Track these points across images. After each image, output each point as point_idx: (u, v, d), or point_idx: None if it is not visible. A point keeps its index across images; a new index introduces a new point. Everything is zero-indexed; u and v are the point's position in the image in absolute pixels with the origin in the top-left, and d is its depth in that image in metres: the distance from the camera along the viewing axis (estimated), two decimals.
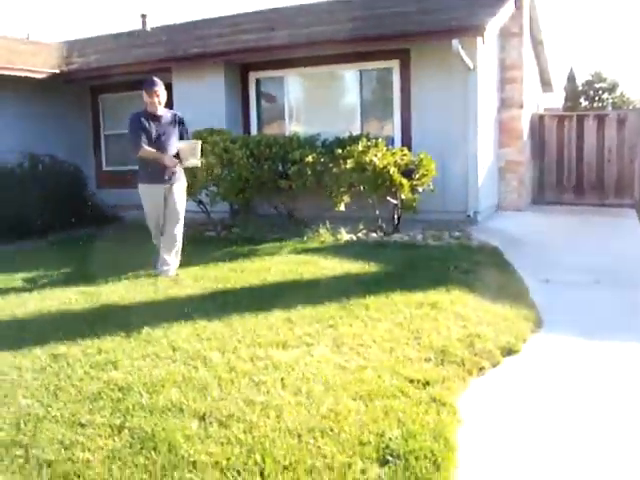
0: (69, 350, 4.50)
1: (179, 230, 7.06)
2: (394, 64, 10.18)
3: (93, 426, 3.34)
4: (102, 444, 3.15)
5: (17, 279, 6.98)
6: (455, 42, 8.89)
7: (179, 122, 7.09)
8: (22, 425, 3.39)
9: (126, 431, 3.28)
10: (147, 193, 7.01)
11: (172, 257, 7.05)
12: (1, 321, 5.44)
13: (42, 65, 12.50)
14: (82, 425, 3.36)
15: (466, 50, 9.11)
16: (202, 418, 3.40)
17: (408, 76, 10.04)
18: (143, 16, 15.73)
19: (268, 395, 3.68)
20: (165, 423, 3.34)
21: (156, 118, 6.93)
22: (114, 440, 3.20)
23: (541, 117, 12.76)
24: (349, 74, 10.76)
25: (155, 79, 7.00)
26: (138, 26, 15.86)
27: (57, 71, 12.45)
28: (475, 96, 9.55)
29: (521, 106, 11.31)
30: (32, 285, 6.69)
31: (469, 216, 9.70)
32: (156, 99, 6.87)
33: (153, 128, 6.86)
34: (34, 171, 11.43)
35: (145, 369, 4.11)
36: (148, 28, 15.60)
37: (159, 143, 6.84)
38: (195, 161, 7.03)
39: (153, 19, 15.86)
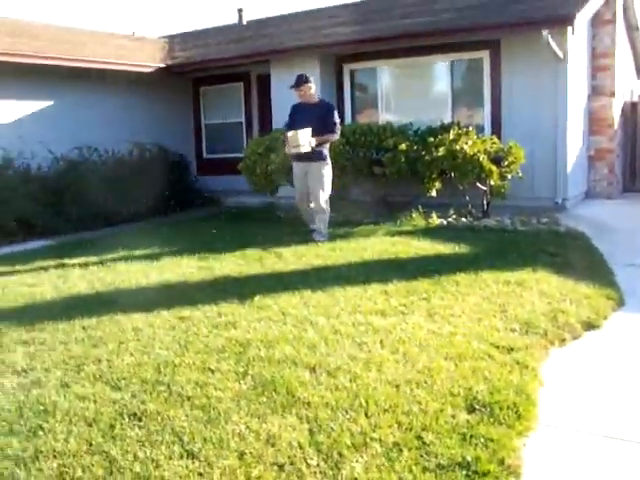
0: (192, 313, 5.15)
1: (318, 205, 8.25)
2: (484, 54, 10.39)
3: (221, 372, 3.94)
4: (230, 386, 3.73)
5: (137, 255, 7.70)
6: (545, 32, 9.04)
7: (327, 111, 8.26)
8: (161, 369, 4.02)
9: (249, 377, 3.85)
10: (294, 168, 8.47)
11: (319, 226, 8.30)
12: (129, 289, 6.16)
13: (148, 60, 13.34)
14: (212, 371, 3.96)
15: (556, 40, 9.24)
16: (313, 369, 3.93)
17: (498, 66, 10.24)
18: (239, 10, 16.44)
19: (369, 353, 4.17)
20: (282, 372, 3.88)
21: (303, 107, 8.22)
22: (239, 383, 3.77)
23: (633, 104, 12.62)
24: (440, 64, 11.05)
25: (299, 76, 8.23)
26: (234, 20, 16.60)
27: (163, 65, 13.26)
28: (565, 85, 9.66)
29: (612, 94, 11.28)
30: (151, 260, 7.38)
31: (557, 203, 9.84)
32: (299, 92, 8.26)
33: (297, 116, 8.16)
34: (142, 159, 12.27)
35: (260, 329, 4.70)
36: (244, 22, 16.29)
37: (296, 128, 7.89)
38: (295, 149, 7.83)
39: (248, 13, 16.54)
